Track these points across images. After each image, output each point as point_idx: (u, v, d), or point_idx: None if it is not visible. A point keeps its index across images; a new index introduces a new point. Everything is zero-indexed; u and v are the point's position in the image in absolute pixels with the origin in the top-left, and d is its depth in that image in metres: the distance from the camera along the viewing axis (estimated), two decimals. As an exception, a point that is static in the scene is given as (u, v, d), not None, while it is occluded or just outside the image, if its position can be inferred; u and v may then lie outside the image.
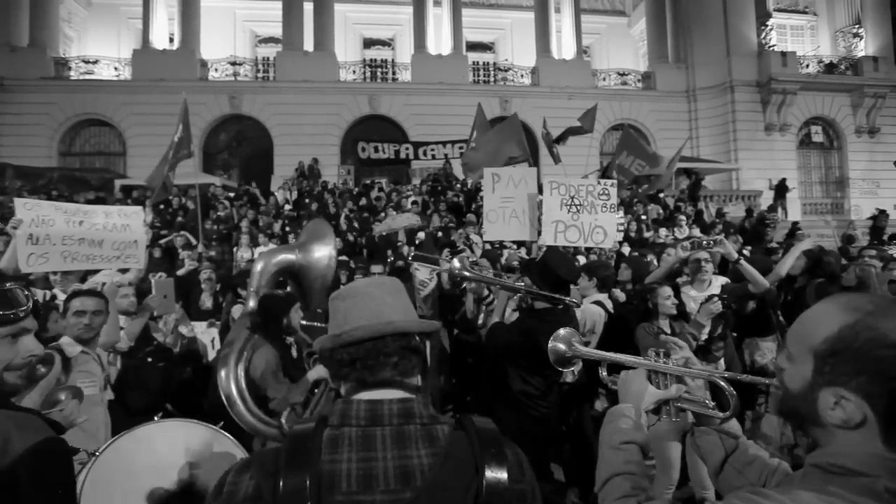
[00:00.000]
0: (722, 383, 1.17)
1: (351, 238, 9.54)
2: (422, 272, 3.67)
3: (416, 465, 0.87)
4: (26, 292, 1.25)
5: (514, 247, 7.10)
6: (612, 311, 3.81)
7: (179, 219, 10.47)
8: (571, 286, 2.94)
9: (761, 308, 3.76)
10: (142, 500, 1.63)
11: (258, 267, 1.80)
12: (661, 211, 12.30)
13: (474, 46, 21.74)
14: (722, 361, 3.27)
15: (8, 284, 1.26)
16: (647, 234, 10.07)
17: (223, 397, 1.54)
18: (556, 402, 2.94)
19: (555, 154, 10.74)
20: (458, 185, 13.64)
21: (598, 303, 3.81)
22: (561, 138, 11.27)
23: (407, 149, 14.76)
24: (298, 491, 0.81)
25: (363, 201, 12.65)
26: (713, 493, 3.00)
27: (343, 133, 18.76)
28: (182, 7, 18.33)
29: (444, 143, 14.26)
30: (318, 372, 2.51)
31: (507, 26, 22.44)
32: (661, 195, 12.74)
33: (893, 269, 4.12)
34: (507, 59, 21.17)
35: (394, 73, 20.22)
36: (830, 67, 19.99)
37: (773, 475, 1.07)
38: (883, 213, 14.33)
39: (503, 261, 5.82)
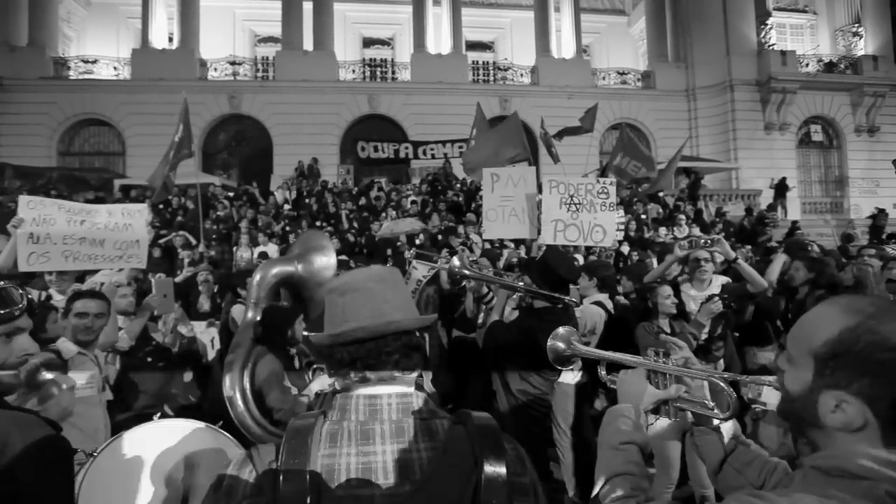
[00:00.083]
0: (721, 383, 1.17)
1: (351, 238, 9.54)
2: (420, 270, 3.67)
3: (415, 459, 0.87)
4: (20, 291, 1.25)
5: (513, 246, 7.11)
6: (612, 311, 3.81)
7: (179, 218, 10.48)
8: (571, 286, 2.94)
9: (757, 317, 3.75)
10: (140, 500, 1.63)
11: (256, 278, 1.80)
12: (660, 210, 12.31)
13: (474, 46, 21.72)
14: (721, 361, 3.27)
15: (2, 283, 1.25)
16: (646, 234, 10.08)
17: (229, 407, 1.54)
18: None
19: (553, 154, 10.74)
20: (458, 185, 13.63)
21: (599, 303, 3.80)
22: (559, 135, 11.27)
23: (406, 148, 14.76)
24: (298, 485, 0.81)
25: (363, 201, 12.65)
26: (713, 491, 3.00)
27: (342, 132, 18.75)
28: (181, 6, 18.31)
29: (443, 143, 14.25)
30: (320, 383, 2.51)
31: (506, 25, 22.43)
32: (661, 194, 12.75)
33: (893, 268, 4.11)
34: (506, 59, 21.16)
35: (393, 73, 20.20)
36: (830, 66, 19.98)
37: (773, 474, 1.07)
38: (882, 212, 14.34)
39: (503, 260, 5.82)
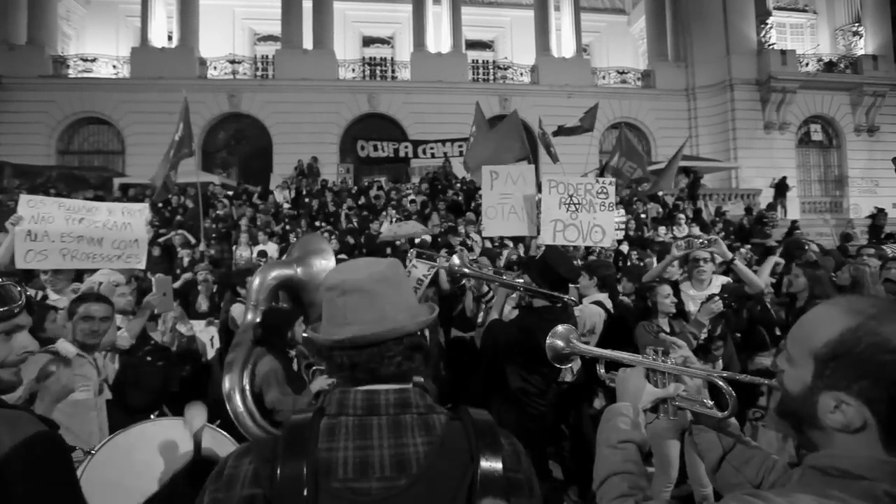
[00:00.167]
0: (720, 382, 1.16)
1: (351, 241, 9.53)
2: (419, 269, 3.67)
3: (412, 454, 0.87)
4: (19, 288, 1.24)
5: (512, 245, 7.11)
6: (611, 310, 3.81)
7: (179, 217, 10.47)
8: (571, 285, 2.94)
9: (751, 323, 3.75)
10: (138, 498, 1.63)
11: (256, 281, 1.80)
12: (660, 209, 12.32)
13: (474, 45, 21.71)
14: (720, 361, 3.26)
15: (1, 281, 1.24)
16: (646, 233, 10.09)
17: (227, 406, 1.54)
18: (554, 401, 2.94)
19: (552, 153, 10.74)
20: (458, 184, 13.63)
21: (598, 303, 3.80)
22: (557, 133, 11.27)
23: (406, 147, 14.77)
24: (296, 477, 0.82)
25: (362, 200, 12.64)
26: (711, 491, 3.00)
27: (342, 131, 18.74)
28: (180, 5, 18.28)
29: (443, 142, 14.25)
30: (320, 384, 2.52)
31: (506, 24, 22.42)
32: (661, 193, 12.76)
33: (891, 268, 4.10)
34: (506, 58, 21.14)
35: (393, 72, 20.19)
36: (830, 66, 19.98)
37: (771, 472, 1.07)
38: (881, 211, 14.35)
39: (502, 259, 5.83)
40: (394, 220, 10.16)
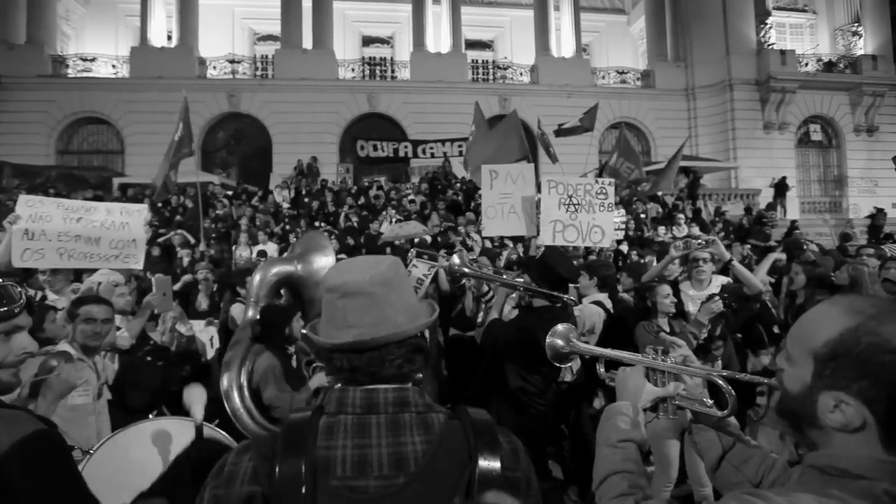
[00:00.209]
0: (720, 381, 1.16)
1: (351, 241, 9.53)
2: (420, 269, 3.67)
3: (410, 452, 0.87)
4: (19, 289, 1.24)
5: (511, 244, 7.11)
6: (611, 310, 3.81)
7: (178, 217, 10.47)
8: (571, 285, 2.94)
9: (749, 321, 3.75)
10: (136, 497, 1.63)
11: (256, 278, 1.80)
12: (660, 209, 12.32)
13: (473, 44, 21.71)
14: (719, 361, 3.27)
15: (1, 281, 1.24)
16: (646, 233, 10.09)
17: (226, 403, 1.54)
18: (554, 400, 2.94)
19: (551, 153, 10.74)
20: (458, 184, 13.63)
21: (598, 302, 3.80)
22: (557, 133, 11.26)
23: (406, 147, 14.75)
24: (294, 475, 0.82)
25: (362, 200, 12.64)
26: (711, 490, 3.00)
27: (342, 131, 18.74)
28: (180, 4, 18.27)
29: (442, 142, 14.24)
30: (318, 380, 2.51)
31: (506, 24, 22.42)
32: (660, 193, 12.76)
33: (890, 267, 4.10)
34: (506, 57, 21.14)
35: (393, 71, 20.19)
36: (829, 66, 20.00)
37: (771, 471, 1.07)
38: (881, 211, 14.34)
39: (502, 258, 5.82)
40: (394, 220, 10.16)
